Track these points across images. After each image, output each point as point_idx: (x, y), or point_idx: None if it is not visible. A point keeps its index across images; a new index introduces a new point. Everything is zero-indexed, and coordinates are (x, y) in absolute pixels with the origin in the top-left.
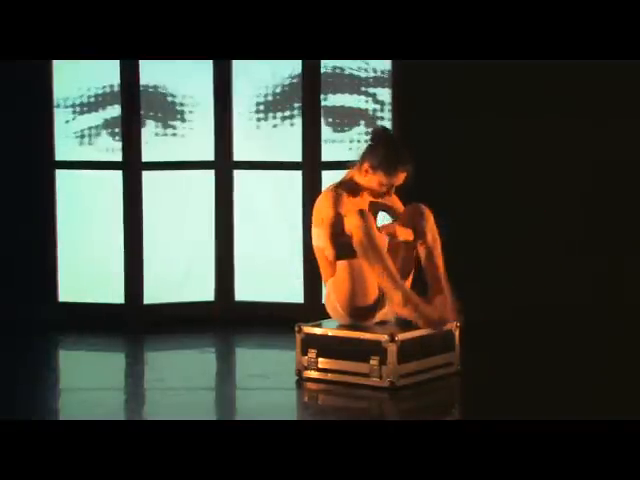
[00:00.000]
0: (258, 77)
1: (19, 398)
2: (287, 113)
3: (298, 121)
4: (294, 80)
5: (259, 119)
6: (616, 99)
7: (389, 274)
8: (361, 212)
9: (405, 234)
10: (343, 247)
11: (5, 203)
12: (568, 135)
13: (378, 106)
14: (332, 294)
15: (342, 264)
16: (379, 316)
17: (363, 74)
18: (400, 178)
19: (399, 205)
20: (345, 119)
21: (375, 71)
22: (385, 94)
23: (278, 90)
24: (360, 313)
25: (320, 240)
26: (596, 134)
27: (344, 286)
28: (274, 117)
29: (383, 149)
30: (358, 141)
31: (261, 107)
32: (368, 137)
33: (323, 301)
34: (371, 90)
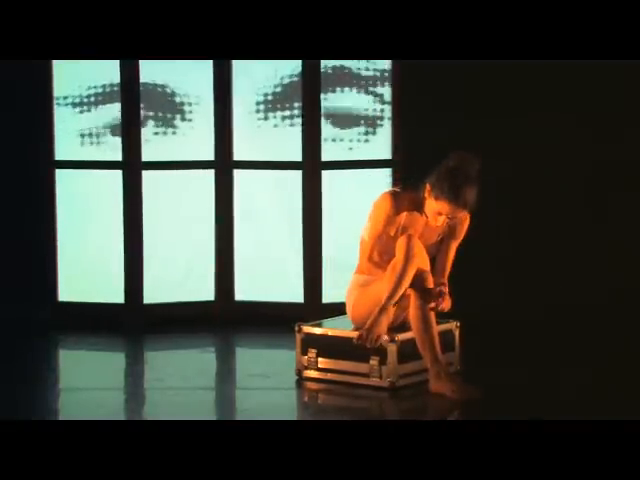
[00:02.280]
0: (258, 76)
1: (19, 398)
2: (287, 113)
3: (298, 121)
4: (294, 79)
5: (259, 119)
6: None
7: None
8: (409, 237)
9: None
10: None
11: (5, 203)
12: (575, 134)
13: (378, 105)
14: (351, 295)
15: (373, 289)
16: None
17: (364, 72)
18: (459, 214)
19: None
20: (345, 118)
21: (376, 69)
22: (386, 93)
23: (278, 90)
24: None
25: (365, 232)
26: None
27: (365, 307)
28: (274, 117)
29: (447, 180)
30: (358, 141)
31: (261, 107)
32: (445, 161)
33: (325, 300)
34: (371, 89)
